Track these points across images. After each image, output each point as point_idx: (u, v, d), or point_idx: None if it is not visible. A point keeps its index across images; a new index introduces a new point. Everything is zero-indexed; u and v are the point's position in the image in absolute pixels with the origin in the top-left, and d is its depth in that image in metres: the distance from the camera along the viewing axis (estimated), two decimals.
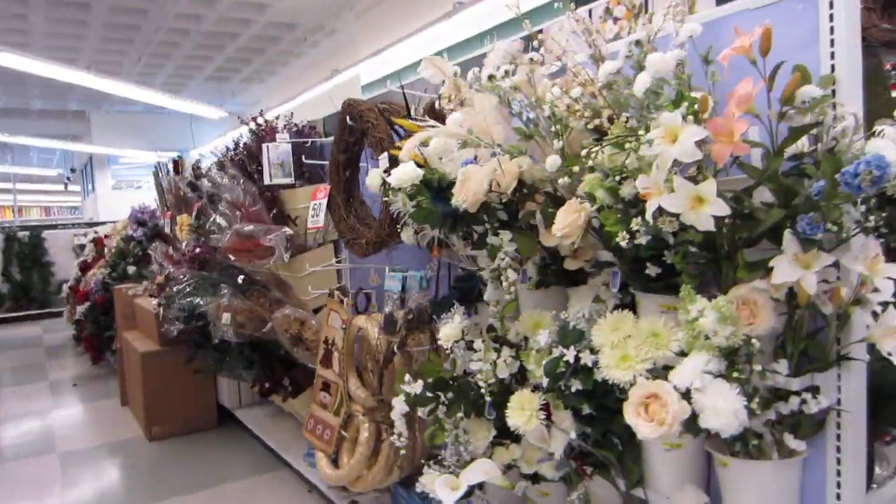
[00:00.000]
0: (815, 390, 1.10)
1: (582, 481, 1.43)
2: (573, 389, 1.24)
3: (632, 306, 1.33)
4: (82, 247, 7.29)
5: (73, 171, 14.33)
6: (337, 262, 2.81)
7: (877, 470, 1.37)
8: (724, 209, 0.94)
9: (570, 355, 1.25)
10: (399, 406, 1.49)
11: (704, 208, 0.95)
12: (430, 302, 1.89)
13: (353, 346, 2.22)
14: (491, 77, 1.43)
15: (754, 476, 1.15)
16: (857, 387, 1.16)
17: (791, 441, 1.09)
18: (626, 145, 1.01)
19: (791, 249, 0.99)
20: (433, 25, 5.15)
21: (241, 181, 2.92)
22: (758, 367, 1.03)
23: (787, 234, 0.98)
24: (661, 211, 1.02)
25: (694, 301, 1.07)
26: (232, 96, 11.26)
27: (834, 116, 1.08)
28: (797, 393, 1.09)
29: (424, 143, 1.38)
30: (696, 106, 0.94)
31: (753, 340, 1.01)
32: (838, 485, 1.17)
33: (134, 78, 9.74)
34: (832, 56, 1.14)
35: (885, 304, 1.07)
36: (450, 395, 1.50)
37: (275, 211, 2.94)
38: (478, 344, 1.42)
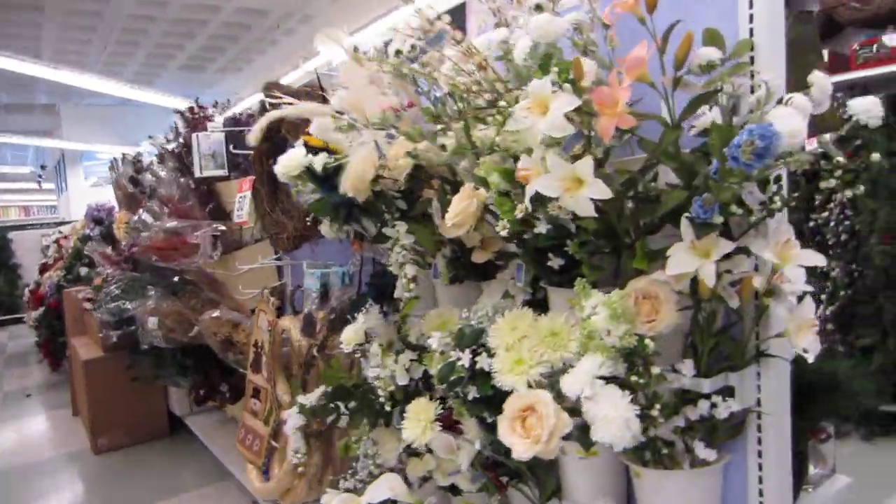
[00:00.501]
0: (727, 392, 0.98)
1: (499, 493, 1.31)
2: (470, 397, 1.12)
3: (545, 302, 1.21)
4: (49, 248, 7.09)
5: (43, 168, 13.99)
6: (276, 258, 2.67)
7: (812, 469, 1.26)
8: (604, 192, 0.81)
9: (465, 359, 1.12)
10: (292, 420, 1.35)
11: (582, 191, 0.82)
12: (349, 300, 1.76)
13: (279, 349, 2.09)
14: (398, 52, 1.29)
15: (667, 486, 1.03)
16: (779, 385, 1.04)
17: (701, 450, 0.97)
18: (490, 119, 0.87)
19: (688, 236, 0.86)
20: (399, 8, 4.97)
21: (177, 174, 2.78)
22: (656, 370, 0.90)
23: (684, 220, 0.85)
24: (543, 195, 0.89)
25: (588, 296, 0.95)
26: (209, 87, 10.98)
27: (752, 87, 0.96)
28: (707, 396, 0.97)
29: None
30: (569, 72, 0.80)
31: (647, 341, 0.88)
32: (760, 492, 1.05)
33: (101, 69, 9.45)
34: (751, 19, 1.01)
35: (803, 295, 0.96)
36: (353, 403, 1.38)
37: (212, 205, 2.80)
38: (374, 348, 1.29)
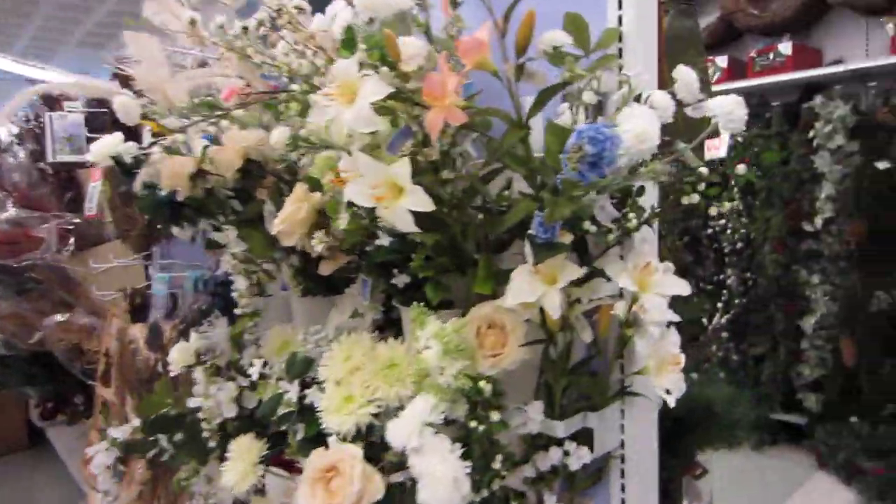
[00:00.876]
0: (584, 436, 0.85)
1: None
2: (299, 437, 0.95)
3: (400, 323, 1.05)
4: None
5: None
6: (145, 255, 2.40)
7: None
8: (424, 202, 0.65)
9: (292, 392, 0.95)
10: (99, 457, 1.14)
11: (401, 200, 0.66)
12: (199, 310, 1.55)
13: (130, 360, 1.84)
14: (244, 30, 1.10)
15: None
16: (645, 424, 0.93)
17: None
18: (281, 107, 0.70)
19: (531, 258, 0.72)
20: None
21: (33, 158, 2.46)
22: (496, 416, 0.76)
23: (527, 239, 0.71)
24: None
25: (424, 324, 0.79)
26: (111, 66, 10.21)
27: (620, 83, 0.83)
28: (560, 442, 0.84)
29: None
30: (384, 50, 0.64)
31: (482, 383, 0.73)
32: None
33: None
34: (620, 5, 0.89)
35: (670, 325, 0.84)
36: (179, 436, 1.18)
37: (71, 194, 2.51)
38: (197, 372, 1.10)
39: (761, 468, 2.64)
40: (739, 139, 2.76)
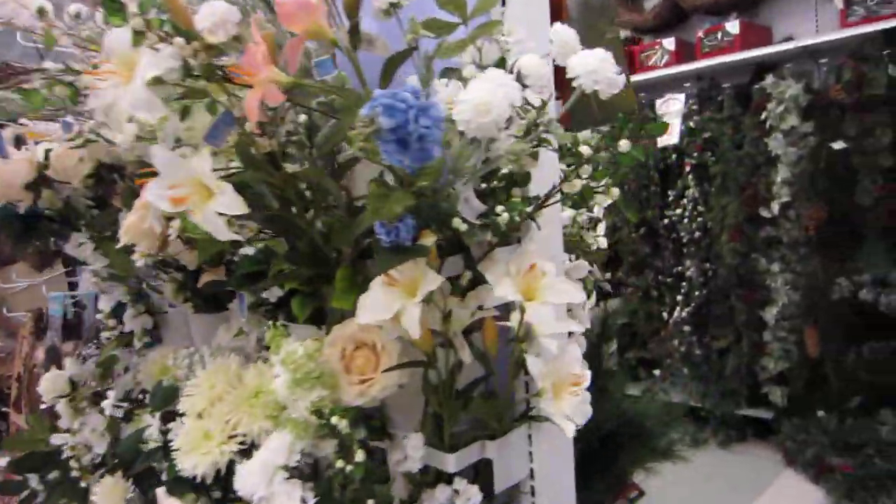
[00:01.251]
0: (483, 469, 0.73)
1: None
2: (163, 477, 0.82)
3: None
4: None
5: None
6: (67, 272, 2.24)
7: None
8: (235, 205, 0.53)
9: (154, 426, 0.83)
10: None
11: (210, 202, 0.53)
12: (96, 331, 1.41)
13: (36, 384, 1.70)
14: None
15: None
16: (559, 450, 0.81)
17: None
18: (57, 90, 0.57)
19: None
20: None
21: None
22: (360, 456, 0.63)
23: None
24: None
25: (279, 346, 0.67)
26: None
27: (503, 52, 0.71)
28: (451, 479, 0.72)
29: None
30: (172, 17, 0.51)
31: (336, 419, 0.61)
32: None
33: None
34: None
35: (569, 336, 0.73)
36: (54, 474, 1.04)
37: None
38: (62, 405, 0.97)
39: (729, 466, 2.55)
40: (692, 124, 2.67)
